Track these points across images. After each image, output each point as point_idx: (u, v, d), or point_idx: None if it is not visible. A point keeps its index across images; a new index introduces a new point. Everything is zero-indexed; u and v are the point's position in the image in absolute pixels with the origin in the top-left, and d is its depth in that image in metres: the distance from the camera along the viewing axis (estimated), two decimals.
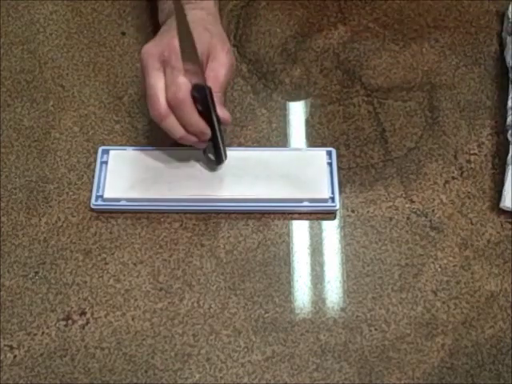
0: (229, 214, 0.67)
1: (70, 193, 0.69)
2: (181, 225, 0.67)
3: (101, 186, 0.68)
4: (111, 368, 0.60)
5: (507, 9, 0.79)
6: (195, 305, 0.62)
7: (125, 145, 0.72)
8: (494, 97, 0.75)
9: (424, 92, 0.76)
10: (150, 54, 0.60)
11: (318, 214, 0.68)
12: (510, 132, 0.70)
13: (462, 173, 0.70)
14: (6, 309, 0.62)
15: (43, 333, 0.61)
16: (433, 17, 0.82)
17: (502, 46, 0.79)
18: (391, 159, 0.71)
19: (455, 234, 0.66)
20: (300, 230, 0.67)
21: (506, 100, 0.73)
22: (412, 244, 0.66)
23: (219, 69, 0.61)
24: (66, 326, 0.61)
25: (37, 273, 0.64)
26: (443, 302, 0.63)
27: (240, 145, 0.72)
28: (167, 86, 0.59)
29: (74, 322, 0.62)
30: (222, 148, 0.65)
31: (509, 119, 0.71)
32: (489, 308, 0.62)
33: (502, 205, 0.66)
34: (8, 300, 0.63)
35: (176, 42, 0.57)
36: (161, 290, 0.63)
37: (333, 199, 0.67)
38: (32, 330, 0.61)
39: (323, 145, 0.72)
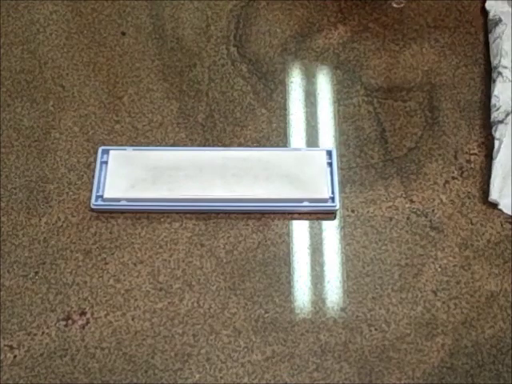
0: (229, 214, 0.67)
1: (70, 193, 0.69)
2: (181, 225, 0.67)
3: (101, 186, 0.68)
4: (111, 368, 0.60)
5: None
6: (195, 305, 0.62)
7: (125, 145, 0.72)
8: None
9: (424, 92, 0.76)
10: None
11: (318, 214, 0.68)
12: (493, 128, 0.70)
13: (462, 173, 0.70)
14: (6, 309, 0.62)
15: (43, 333, 0.61)
16: (433, 17, 0.82)
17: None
18: (391, 159, 0.71)
19: (455, 234, 0.66)
20: (300, 230, 0.67)
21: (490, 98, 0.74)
22: (412, 244, 0.66)
23: None
24: (66, 326, 0.61)
25: (37, 273, 0.64)
26: (443, 302, 0.63)
27: (240, 145, 0.72)
28: None
29: (74, 321, 0.62)
30: None
31: (492, 116, 0.71)
32: (489, 308, 0.62)
33: (490, 198, 0.67)
34: (8, 300, 0.63)
35: None
36: (161, 290, 0.63)
37: (333, 199, 0.67)
38: (32, 330, 0.61)
39: (323, 145, 0.72)
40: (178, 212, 0.67)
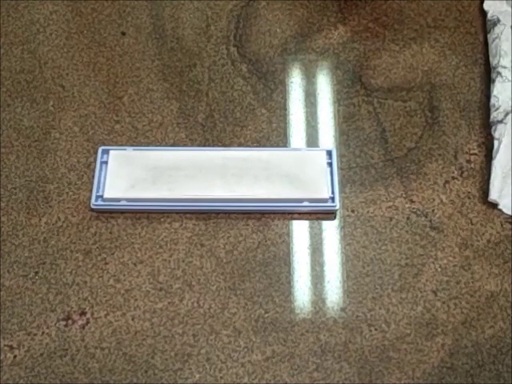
0: (229, 214, 0.67)
1: (70, 193, 0.69)
2: (181, 225, 0.67)
3: (101, 186, 0.68)
4: (111, 368, 0.60)
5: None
6: (195, 305, 0.62)
7: (125, 145, 0.72)
8: None
9: (424, 92, 0.76)
10: None
11: (318, 214, 0.68)
12: (493, 128, 0.70)
13: (461, 173, 0.70)
14: (6, 309, 0.62)
15: (43, 333, 0.61)
16: (433, 17, 0.82)
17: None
18: (391, 159, 0.71)
19: (455, 234, 0.66)
20: (300, 230, 0.67)
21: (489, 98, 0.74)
22: (412, 244, 0.66)
23: None
24: (66, 326, 0.61)
25: (37, 273, 0.64)
26: (443, 302, 0.63)
27: (240, 145, 0.72)
28: None
29: (74, 321, 0.62)
30: None
31: (492, 116, 0.71)
32: (489, 308, 0.62)
33: (489, 198, 0.67)
34: (8, 300, 0.63)
35: None
36: (161, 290, 0.63)
37: (333, 199, 0.67)
38: (32, 329, 0.61)
39: (323, 145, 0.72)
40: (178, 212, 0.67)
